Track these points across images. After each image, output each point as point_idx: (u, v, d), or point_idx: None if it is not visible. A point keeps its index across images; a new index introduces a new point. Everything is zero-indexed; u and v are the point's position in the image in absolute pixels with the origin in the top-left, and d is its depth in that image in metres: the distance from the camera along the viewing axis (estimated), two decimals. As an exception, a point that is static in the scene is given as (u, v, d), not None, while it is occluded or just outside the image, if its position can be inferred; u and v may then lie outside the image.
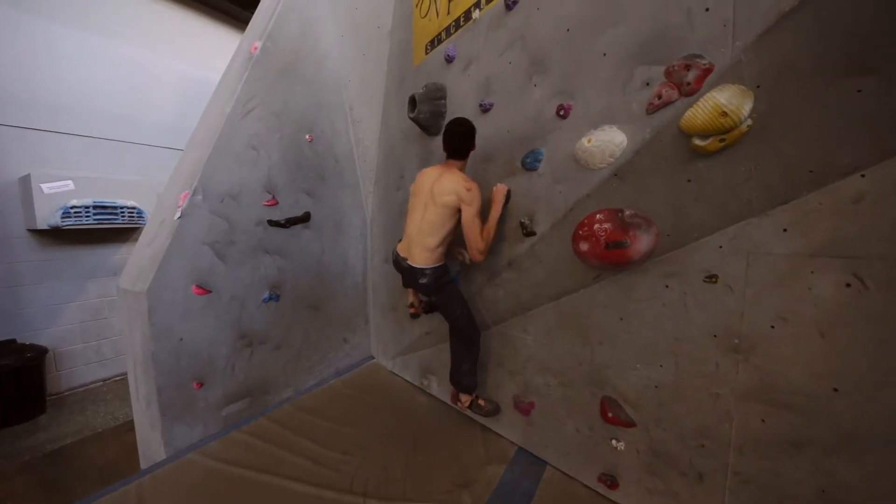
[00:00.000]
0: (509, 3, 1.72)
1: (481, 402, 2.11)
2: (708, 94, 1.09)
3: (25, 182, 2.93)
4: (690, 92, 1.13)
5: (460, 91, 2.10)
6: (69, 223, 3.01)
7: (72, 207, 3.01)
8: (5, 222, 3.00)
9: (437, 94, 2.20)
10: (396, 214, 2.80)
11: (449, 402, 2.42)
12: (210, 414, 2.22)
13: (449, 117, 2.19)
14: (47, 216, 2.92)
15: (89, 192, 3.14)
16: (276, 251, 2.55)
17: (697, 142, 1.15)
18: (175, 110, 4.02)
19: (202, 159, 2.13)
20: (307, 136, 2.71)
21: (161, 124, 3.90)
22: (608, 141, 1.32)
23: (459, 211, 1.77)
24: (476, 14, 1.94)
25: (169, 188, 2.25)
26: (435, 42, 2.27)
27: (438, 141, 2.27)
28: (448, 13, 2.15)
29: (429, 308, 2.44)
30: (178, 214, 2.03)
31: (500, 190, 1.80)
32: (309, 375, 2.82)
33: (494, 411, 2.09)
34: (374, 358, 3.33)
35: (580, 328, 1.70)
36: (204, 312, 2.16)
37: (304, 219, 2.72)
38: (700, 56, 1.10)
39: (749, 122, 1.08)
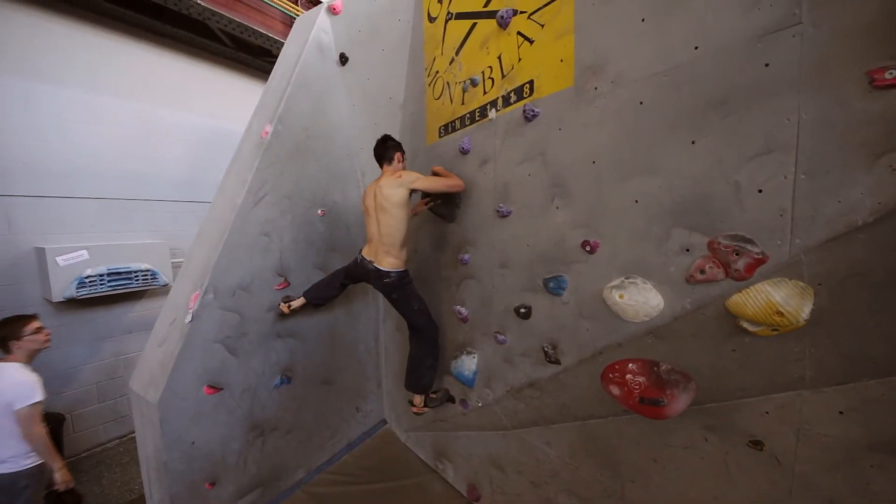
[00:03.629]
0: (528, 114, 1.63)
1: (433, 395, 2.23)
2: (761, 287, 0.98)
3: (41, 254, 2.94)
4: (739, 278, 1.02)
5: (476, 186, 2.01)
6: (84, 293, 3.01)
7: (86, 277, 3.01)
8: (22, 292, 3.02)
9: (452, 186, 2.11)
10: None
11: (466, 495, 2.34)
12: (223, 511, 2.18)
13: (465, 208, 2.11)
14: (63, 288, 2.92)
15: (103, 260, 3.14)
16: (288, 333, 2.50)
17: (746, 326, 1.05)
18: (185, 162, 4.01)
19: (212, 258, 2.08)
20: (319, 211, 2.65)
21: (172, 178, 3.90)
22: (643, 302, 1.22)
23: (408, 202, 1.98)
24: (493, 114, 1.85)
25: (179, 285, 2.21)
26: (449, 128, 2.19)
27: (453, 225, 2.21)
28: (462, 103, 2.06)
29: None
30: (189, 317, 1.99)
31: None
32: (321, 452, 2.77)
33: (446, 397, 2.23)
34: (386, 422, 3.27)
35: (609, 459, 1.60)
36: (216, 411, 2.12)
37: (317, 294, 2.66)
38: (751, 242, 0.99)
39: (807, 317, 0.97)
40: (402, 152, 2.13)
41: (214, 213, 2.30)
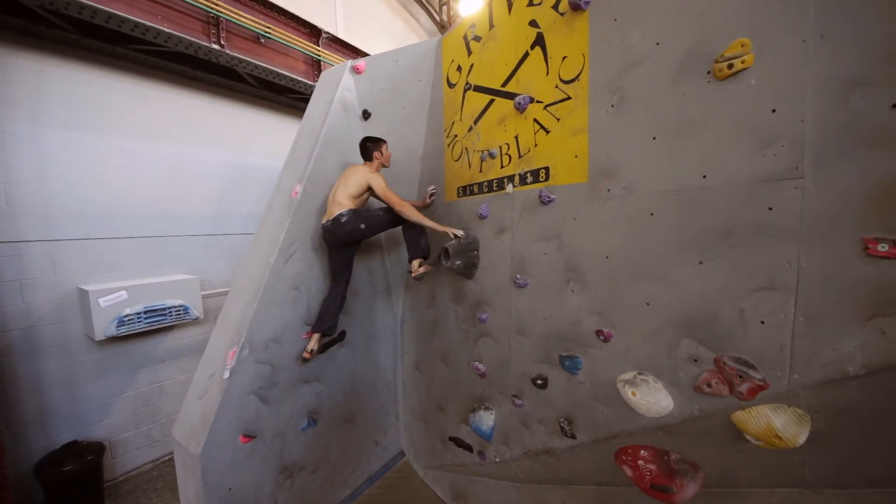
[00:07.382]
0: (544, 199, 1.73)
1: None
2: (763, 410, 1.07)
3: (83, 295, 3.15)
4: (742, 398, 1.11)
5: (493, 251, 2.11)
6: (123, 331, 3.21)
7: (125, 316, 3.21)
8: (65, 331, 3.24)
9: (470, 247, 2.22)
10: (428, 325, 2.87)
11: (483, 537, 2.45)
12: (256, 552, 2.34)
13: (483, 269, 2.22)
14: (104, 327, 3.13)
15: (140, 299, 3.33)
16: (314, 378, 2.65)
17: (749, 438, 1.14)
18: (213, 197, 4.21)
19: (248, 315, 2.23)
20: (342, 260, 2.78)
21: (201, 213, 4.10)
22: (654, 402, 1.31)
23: (369, 188, 2.40)
24: (510, 188, 1.95)
25: (216, 340, 2.37)
26: (467, 191, 2.29)
27: (472, 282, 2.32)
28: (481, 171, 2.17)
29: None
30: (228, 374, 2.15)
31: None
32: (344, 488, 2.91)
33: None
34: (404, 455, 3.40)
35: (622, 526, 1.69)
36: (250, 458, 2.27)
37: (340, 338, 2.80)
38: (754, 368, 1.08)
39: (804, 442, 1.05)
40: (381, 151, 2.48)
41: (248, 269, 2.46)
